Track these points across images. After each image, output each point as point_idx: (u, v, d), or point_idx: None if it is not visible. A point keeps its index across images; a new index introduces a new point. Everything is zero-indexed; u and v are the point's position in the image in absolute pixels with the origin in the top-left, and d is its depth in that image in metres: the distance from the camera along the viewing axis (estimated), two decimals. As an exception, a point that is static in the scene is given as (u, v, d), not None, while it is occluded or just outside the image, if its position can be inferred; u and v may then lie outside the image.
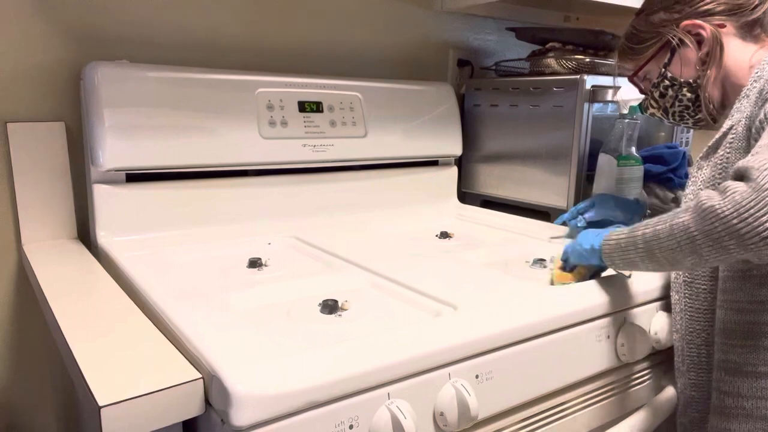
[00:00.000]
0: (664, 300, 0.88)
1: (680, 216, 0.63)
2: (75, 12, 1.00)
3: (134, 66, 0.98)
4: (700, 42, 0.81)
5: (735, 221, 0.58)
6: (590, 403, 0.80)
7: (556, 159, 1.22)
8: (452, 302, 0.72)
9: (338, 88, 1.19)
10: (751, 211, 0.57)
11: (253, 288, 0.79)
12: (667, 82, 0.86)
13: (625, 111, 1.11)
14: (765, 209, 0.56)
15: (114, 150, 0.93)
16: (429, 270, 0.88)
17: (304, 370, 0.54)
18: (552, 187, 1.23)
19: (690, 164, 1.23)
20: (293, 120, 1.12)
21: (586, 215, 1.03)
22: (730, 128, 0.75)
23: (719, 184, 0.71)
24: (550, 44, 1.29)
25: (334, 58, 1.30)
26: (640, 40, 0.88)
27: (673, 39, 0.83)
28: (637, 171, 1.10)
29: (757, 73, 0.75)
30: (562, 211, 1.21)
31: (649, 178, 1.16)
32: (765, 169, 0.57)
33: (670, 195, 1.18)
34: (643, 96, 0.94)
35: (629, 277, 0.83)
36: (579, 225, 1.03)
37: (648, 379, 0.88)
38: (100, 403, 0.49)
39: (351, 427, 0.56)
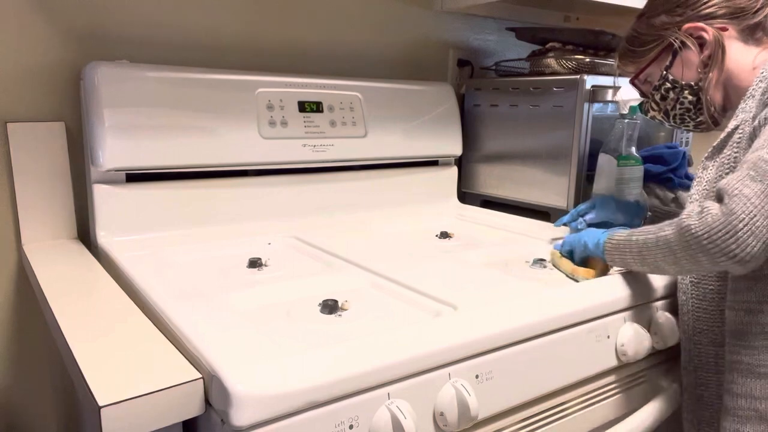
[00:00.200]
0: (664, 300, 0.88)
1: (665, 229, 0.71)
2: (75, 12, 1.00)
3: (134, 66, 0.98)
4: (702, 45, 0.82)
5: (705, 242, 0.65)
6: (590, 403, 0.80)
7: (556, 159, 1.22)
8: (452, 302, 0.72)
9: (338, 88, 1.19)
10: (719, 234, 0.63)
11: (253, 288, 0.79)
12: (668, 85, 0.86)
13: (625, 111, 1.10)
14: (730, 233, 0.63)
15: (114, 150, 0.93)
16: (429, 270, 0.88)
17: (304, 370, 0.54)
18: (552, 187, 1.23)
19: (690, 164, 1.23)
20: (293, 120, 1.12)
21: (587, 217, 1.03)
22: (736, 128, 0.75)
23: None
24: (550, 44, 1.29)
25: (334, 58, 1.30)
26: (641, 42, 0.88)
27: (675, 42, 0.83)
28: (637, 171, 1.10)
29: (762, 73, 0.76)
30: (562, 211, 1.21)
31: (649, 178, 1.16)
32: (735, 195, 0.64)
33: (670, 195, 1.17)
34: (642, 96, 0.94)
35: None
36: (579, 227, 1.03)
37: (648, 379, 0.88)
38: (100, 403, 0.49)
39: (351, 427, 0.56)
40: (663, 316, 0.85)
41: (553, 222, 1.20)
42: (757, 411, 0.72)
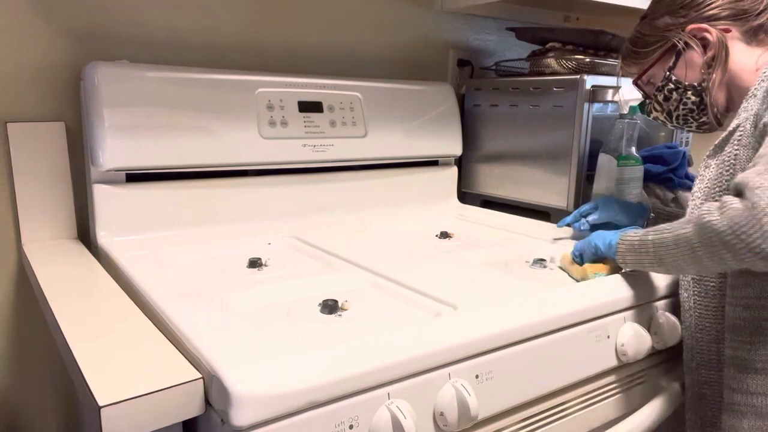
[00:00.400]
0: (665, 300, 0.88)
1: (684, 227, 0.68)
2: (75, 12, 1.00)
3: (134, 66, 0.98)
4: (705, 46, 0.82)
5: (730, 237, 0.62)
6: (590, 403, 0.80)
7: (556, 159, 1.22)
8: (452, 302, 0.72)
9: (338, 88, 1.19)
10: (744, 228, 0.61)
11: (253, 288, 0.79)
12: (671, 86, 0.86)
13: (625, 111, 1.10)
14: (756, 228, 0.60)
15: (114, 150, 0.93)
16: (429, 270, 0.88)
17: (304, 370, 0.54)
18: (552, 187, 1.23)
19: (690, 164, 1.23)
20: (293, 120, 1.12)
21: (590, 218, 1.03)
22: (737, 126, 0.76)
23: (726, 182, 0.76)
24: (550, 44, 1.29)
25: (334, 58, 1.30)
26: (644, 44, 0.88)
27: (679, 43, 0.83)
28: (637, 171, 1.10)
29: (765, 73, 0.76)
30: (562, 211, 1.21)
31: (649, 178, 1.16)
32: (757, 188, 0.61)
33: (670, 195, 1.17)
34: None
35: None
36: (582, 228, 1.03)
37: (648, 379, 0.88)
38: (100, 403, 0.49)
39: (351, 427, 0.56)
40: (663, 316, 0.85)
41: (553, 222, 1.20)
42: (753, 406, 0.72)
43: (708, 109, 0.84)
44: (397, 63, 1.40)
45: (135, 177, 0.99)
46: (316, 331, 0.67)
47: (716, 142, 0.78)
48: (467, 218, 1.29)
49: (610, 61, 1.24)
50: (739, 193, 0.64)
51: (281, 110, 1.11)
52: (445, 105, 1.33)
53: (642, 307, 0.84)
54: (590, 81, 1.16)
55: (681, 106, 0.86)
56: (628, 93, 1.09)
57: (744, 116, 0.75)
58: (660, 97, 0.88)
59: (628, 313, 0.82)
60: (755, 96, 0.75)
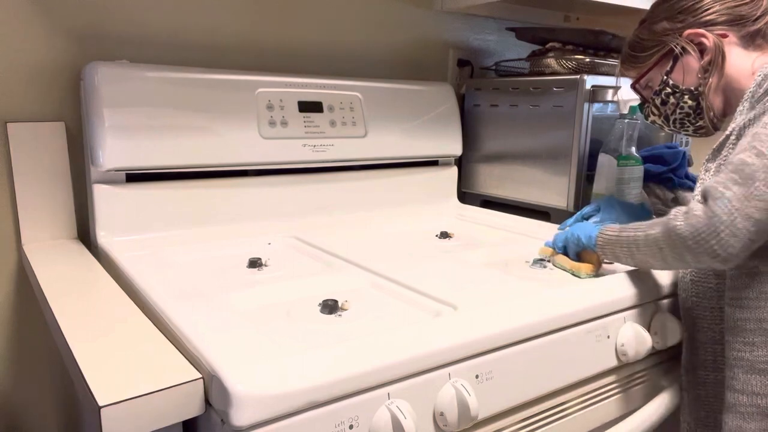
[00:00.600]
0: (665, 300, 0.88)
1: (654, 228, 0.74)
2: (75, 12, 1.00)
3: (134, 66, 0.98)
4: (702, 51, 0.83)
5: (690, 242, 0.69)
6: (590, 403, 0.80)
7: (556, 159, 1.22)
8: (452, 302, 0.72)
9: (338, 88, 1.19)
10: (703, 235, 0.67)
11: (253, 288, 0.79)
12: (668, 90, 0.87)
13: (625, 111, 1.11)
14: (713, 235, 0.67)
15: (114, 150, 0.93)
16: (429, 270, 0.88)
17: (304, 370, 0.54)
18: (552, 187, 1.23)
19: (690, 164, 1.23)
20: (293, 120, 1.12)
21: (592, 220, 1.03)
22: (733, 130, 0.77)
23: None
24: (550, 44, 1.29)
25: (334, 58, 1.30)
26: (643, 48, 0.89)
27: (676, 47, 0.84)
28: (637, 171, 1.10)
29: (758, 76, 0.77)
30: (562, 211, 1.21)
31: (649, 178, 1.16)
32: (717, 198, 0.67)
33: (670, 195, 1.17)
34: None
35: None
36: None
37: (648, 379, 0.88)
38: (100, 403, 0.49)
39: (351, 427, 0.56)
40: (663, 316, 0.85)
41: (553, 222, 1.20)
42: (758, 407, 0.73)
43: (704, 113, 0.85)
44: (397, 63, 1.40)
45: (135, 177, 0.99)
46: (316, 331, 0.67)
47: (714, 146, 0.79)
48: (467, 218, 1.29)
49: (610, 61, 1.24)
50: (704, 199, 0.69)
51: (281, 110, 1.11)
52: (445, 105, 1.33)
53: (642, 307, 0.84)
54: (590, 81, 1.16)
55: (678, 110, 0.87)
56: (628, 93, 1.09)
57: (739, 120, 0.76)
58: (657, 101, 0.89)
59: (628, 313, 0.82)
60: (749, 100, 0.76)
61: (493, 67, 1.45)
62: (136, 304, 0.71)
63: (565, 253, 0.91)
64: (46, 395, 1.07)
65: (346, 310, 0.73)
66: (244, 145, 1.05)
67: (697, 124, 0.87)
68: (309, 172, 1.17)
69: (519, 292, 0.79)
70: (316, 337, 0.65)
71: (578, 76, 1.16)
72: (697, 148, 1.40)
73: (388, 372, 0.58)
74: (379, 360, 0.58)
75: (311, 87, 1.15)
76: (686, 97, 0.85)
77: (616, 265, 0.90)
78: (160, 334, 0.63)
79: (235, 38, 1.17)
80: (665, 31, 0.86)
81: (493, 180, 1.37)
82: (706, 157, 0.81)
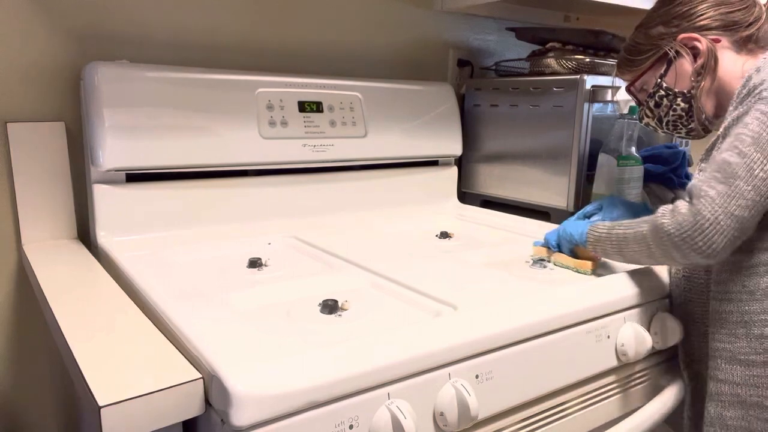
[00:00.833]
0: (664, 299, 0.88)
1: (642, 226, 0.77)
2: (75, 12, 1.00)
3: (134, 66, 0.98)
4: (695, 54, 0.84)
5: (677, 239, 0.71)
6: (590, 403, 0.80)
7: (556, 159, 1.22)
8: (452, 302, 0.72)
9: (338, 88, 1.19)
10: (688, 232, 0.70)
11: (253, 288, 0.79)
12: (662, 92, 0.88)
13: (625, 111, 1.11)
14: (698, 233, 0.69)
15: (114, 150, 0.93)
16: (429, 270, 0.88)
17: (304, 370, 0.54)
18: (552, 187, 1.23)
19: (690, 164, 1.23)
20: (293, 120, 1.12)
21: (594, 218, 1.03)
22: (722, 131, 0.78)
23: None
24: (550, 44, 1.29)
25: (334, 58, 1.30)
26: (638, 51, 0.91)
27: (670, 51, 0.86)
28: (637, 171, 1.10)
29: (744, 79, 0.78)
30: (562, 211, 1.21)
31: (649, 178, 1.16)
32: (701, 196, 0.70)
33: (670, 195, 1.18)
34: None
35: None
36: None
37: (648, 379, 0.88)
38: (100, 403, 0.49)
39: (351, 427, 0.56)
40: (663, 316, 0.85)
41: (553, 222, 1.20)
42: (738, 396, 0.75)
43: (695, 116, 0.87)
44: (397, 63, 1.40)
45: (135, 177, 0.99)
46: (316, 331, 0.67)
47: (707, 147, 0.81)
48: (467, 218, 1.29)
49: (610, 61, 1.24)
50: (690, 197, 0.72)
51: (281, 110, 1.11)
52: (445, 105, 1.33)
53: (642, 307, 0.84)
54: (590, 81, 1.16)
55: (671, 113, 0.89)
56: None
57: (728, 120, 0.77)
58: (651, 104, 0.91)
59: (628, 313, 0.82)
60: (735, 100, 0.78)
61: (493, 67, 1.45)
62: (136, 304, 0.71)
63: (558, 251, 0.93)
64: (46, 395, 1.07)
65: (346, 310, 0.73)
66: (244, 145, 1.05)
67: (690, 126, 0.89)
68: (309, 172, 1.17)
69: (519, 292, 0.79)
70: (316, 337, 0.65)
71: (578, 76, 1.16)
72: (697, 148, 1.40)
73: (388, 372, 0.58)
74: (379, 360, 0.58)
75: (311, 87, 1.15)
76: (679, 99, 0.87)
77: (617, 265, 0.90)
78: (160, 334, 0.63)
79: (235, 38, 1.17)
80: (660, 35, 0.87)
81: (493, 180, 1.37)
82: (701, 157, 0.82)
